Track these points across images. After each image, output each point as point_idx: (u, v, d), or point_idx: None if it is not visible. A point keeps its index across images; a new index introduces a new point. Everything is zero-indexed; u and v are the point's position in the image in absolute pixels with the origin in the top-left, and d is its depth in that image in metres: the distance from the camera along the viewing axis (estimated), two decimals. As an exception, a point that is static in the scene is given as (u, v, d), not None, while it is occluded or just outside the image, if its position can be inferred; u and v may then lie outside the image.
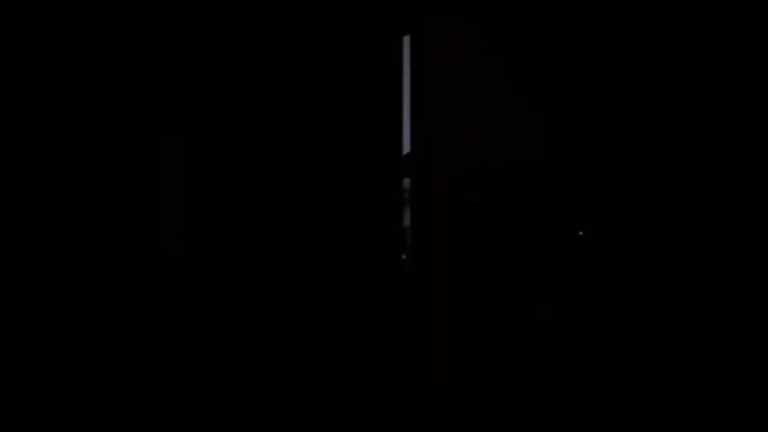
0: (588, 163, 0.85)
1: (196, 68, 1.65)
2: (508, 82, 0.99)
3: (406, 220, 1.38)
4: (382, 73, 1.24)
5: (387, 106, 1.23)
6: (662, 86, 0.87)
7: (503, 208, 0.95)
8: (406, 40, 1.24)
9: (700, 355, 0.77)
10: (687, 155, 0.86)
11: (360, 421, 1.28)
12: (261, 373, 1.39)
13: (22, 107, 1.93)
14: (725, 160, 0.85)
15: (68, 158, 1.81)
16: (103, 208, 1.71)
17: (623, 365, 0.79)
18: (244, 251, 1.50)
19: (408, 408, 1.33)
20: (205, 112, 1.63)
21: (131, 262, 1.64)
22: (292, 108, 1.43)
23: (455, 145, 1.05)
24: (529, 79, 0.97)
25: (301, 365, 1.32)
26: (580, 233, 0.79)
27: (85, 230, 1.74)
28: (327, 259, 1.31)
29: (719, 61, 0.85)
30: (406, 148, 1.52)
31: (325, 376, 1.29)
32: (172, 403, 1.58)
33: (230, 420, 1.44)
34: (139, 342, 1.59)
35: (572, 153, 0.87)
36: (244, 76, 1.50)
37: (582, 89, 0.91)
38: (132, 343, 1.60)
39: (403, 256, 1.62)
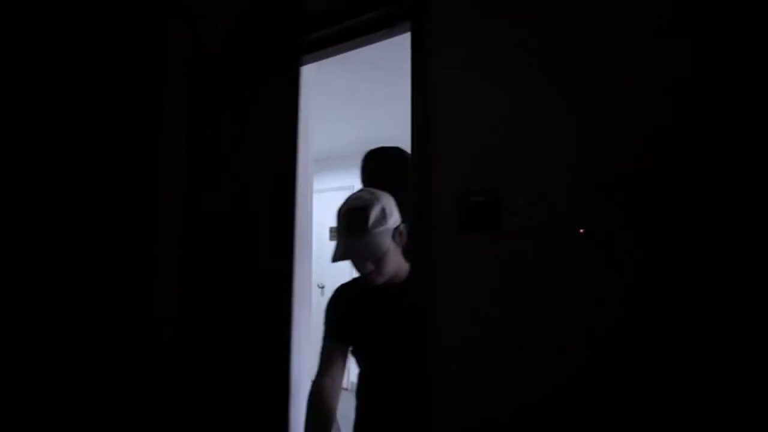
0: (593, 165, 0.82)
1: (196, 67, 1.64)
2: (514, 83, 0.97)
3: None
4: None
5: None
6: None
7: (505, 209, 0.93)
8: (305, 69, 1.46)
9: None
10: None
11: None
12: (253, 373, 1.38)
13: (22, 108, 1.93)
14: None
15: (68, 158, 1.81)
16: (103, 212, 1.71)
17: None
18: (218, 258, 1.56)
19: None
20: (205, 112, 1.62)
21: (128, 264, 1.63)
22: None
23: (456, 146, 1.03)
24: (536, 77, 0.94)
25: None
26: (581, 231, 0.77)
27: (83, 232, 1.74)
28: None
29: None
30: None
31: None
32: (171, 405, 1.57)
33: (228, 422, 1.43)
34: (127, 346, 1.58)
35: (577, 153, 0.85)
36: (243, 76, 1.50)
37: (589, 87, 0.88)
38: (118, 348, 1.59)
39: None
